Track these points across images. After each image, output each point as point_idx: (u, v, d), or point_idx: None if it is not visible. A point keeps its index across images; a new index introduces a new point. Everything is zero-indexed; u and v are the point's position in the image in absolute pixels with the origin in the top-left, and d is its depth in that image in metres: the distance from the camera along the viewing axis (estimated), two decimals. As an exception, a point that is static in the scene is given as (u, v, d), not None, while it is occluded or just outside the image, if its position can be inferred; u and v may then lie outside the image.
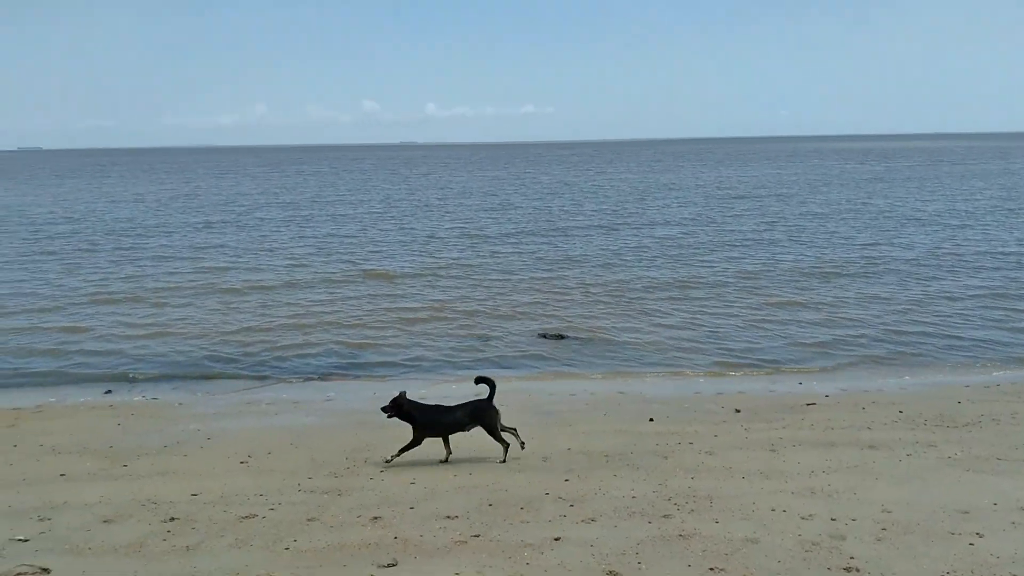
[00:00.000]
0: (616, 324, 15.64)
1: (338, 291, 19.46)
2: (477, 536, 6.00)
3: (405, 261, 24.11)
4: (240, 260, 24.61)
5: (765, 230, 30.17)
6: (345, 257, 25.15)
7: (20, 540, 6.01)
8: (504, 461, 7.84)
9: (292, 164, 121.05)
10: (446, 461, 7.95)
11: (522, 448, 8.00)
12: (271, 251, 26.67)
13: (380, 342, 14.56)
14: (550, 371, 12.87)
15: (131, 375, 12.54)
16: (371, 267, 22.77)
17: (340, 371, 12.79)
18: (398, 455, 7.86)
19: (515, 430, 8.07)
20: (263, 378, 12.49)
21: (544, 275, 21.21)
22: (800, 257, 23.65)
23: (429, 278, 20.98)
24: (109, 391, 11.66)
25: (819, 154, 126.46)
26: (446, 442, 7.98)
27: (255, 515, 6.49)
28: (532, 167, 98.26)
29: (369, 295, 18.96)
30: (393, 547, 5.85)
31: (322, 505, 6.75)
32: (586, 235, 29.40)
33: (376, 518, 6.43)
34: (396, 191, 57.25)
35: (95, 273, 22.35)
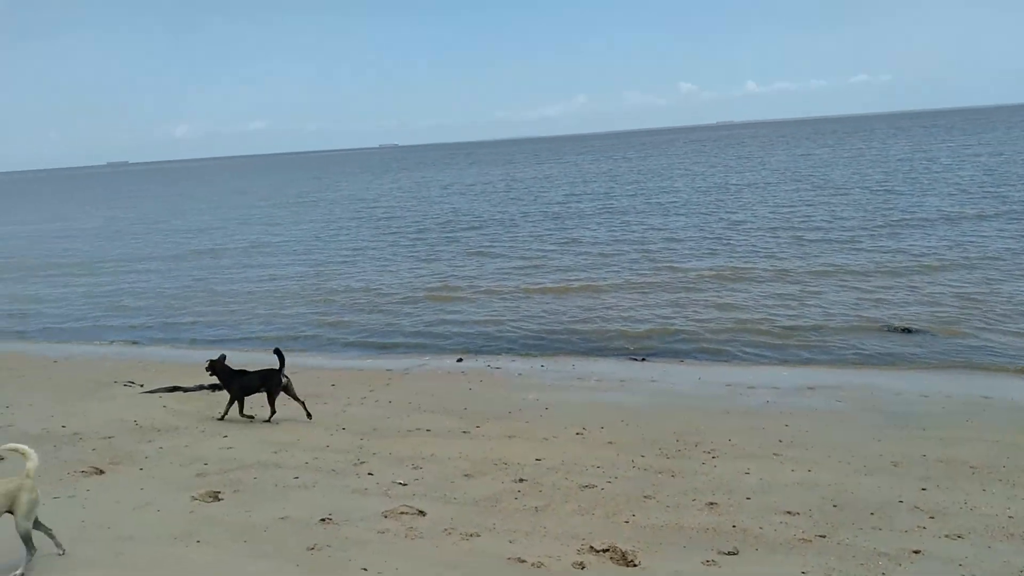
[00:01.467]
0: (980, 321, 13.59)
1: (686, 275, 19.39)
2: (823, 536, 5.67)
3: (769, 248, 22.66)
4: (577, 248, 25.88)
5: None
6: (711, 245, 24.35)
7: (400, 484, 7.00)
8: (269, 420, 9.06)
9: (618, 150, 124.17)
10: (269, 421, 9.13)
11: (308, 418, 9.13)
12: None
13: (695, 327, 14.35)
14: (896, 367, 11.64)
15: (480, 347, 13.94)
16: (738, 255, 21.77)
17: (662, 353, 12.88)
18: (226, 412, 9.29)
19: (304, 403, 9.24)
20: (589, 355, 13.06)
21: (894, 262, 19.00)
22: None
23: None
24: (460, 359, 13.05)
25: None
26: (271, 400, 9.09)
27: (594, 486, 6.83)
28: (878, 140, 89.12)
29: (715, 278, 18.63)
30: (732, 535, 5.77)
31: (656, 484, 6.87)
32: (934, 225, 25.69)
33: (712, 504, 6.39)
34: (728, 173, 55.77)
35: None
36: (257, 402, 9.38)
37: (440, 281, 20.05)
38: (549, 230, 28.59)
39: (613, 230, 27.57)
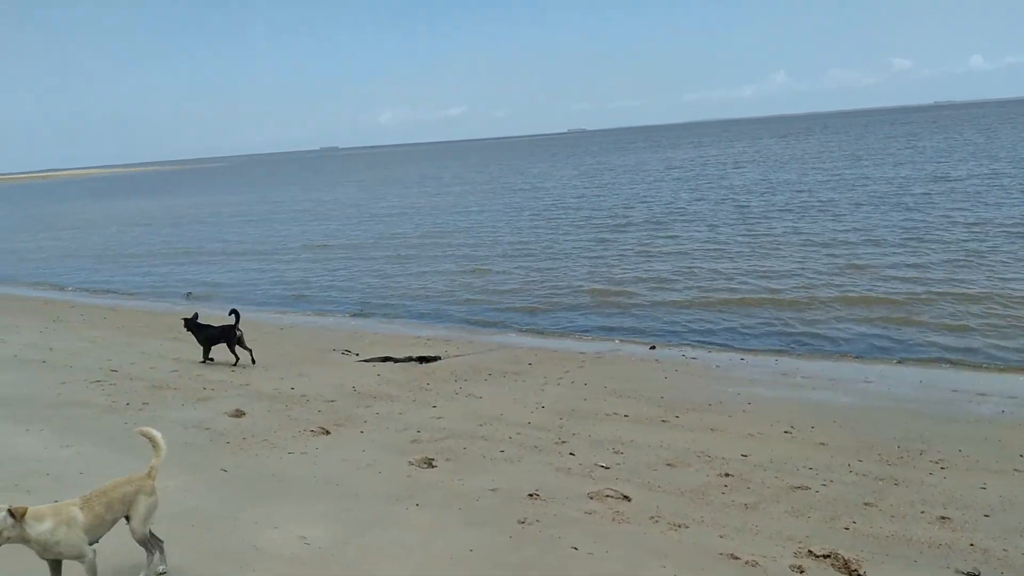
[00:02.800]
0: None
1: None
2: (1088, 569, 5.01)
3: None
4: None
5: None
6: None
7: (603, 467, 7.03)
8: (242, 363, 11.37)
9: (817, 133, 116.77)
10: (234, 366, 11.35)
11: (253, 363, 11.40)
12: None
13: (926, 322, 13.15)
14: None
15: (671, 337, 13.71)
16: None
17: (880, 352, 11.95)
18: (204, 358, 11.60)
19: (251, 351, 11.55)
20: (794, 352, 12.40)
21: None
22: None
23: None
24: (653, 347, 12.89)
25: None
26: (231, 349, 11.41)
27: (807, 487, 6.48)
28: None
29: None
30: (970, 555, 5.25)
31: (878, 491, 6.39)
32: None
33: (944, 518, 5.85)
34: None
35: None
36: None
37: (628, 271, 19.89)
38: (731, 221, 27.29)
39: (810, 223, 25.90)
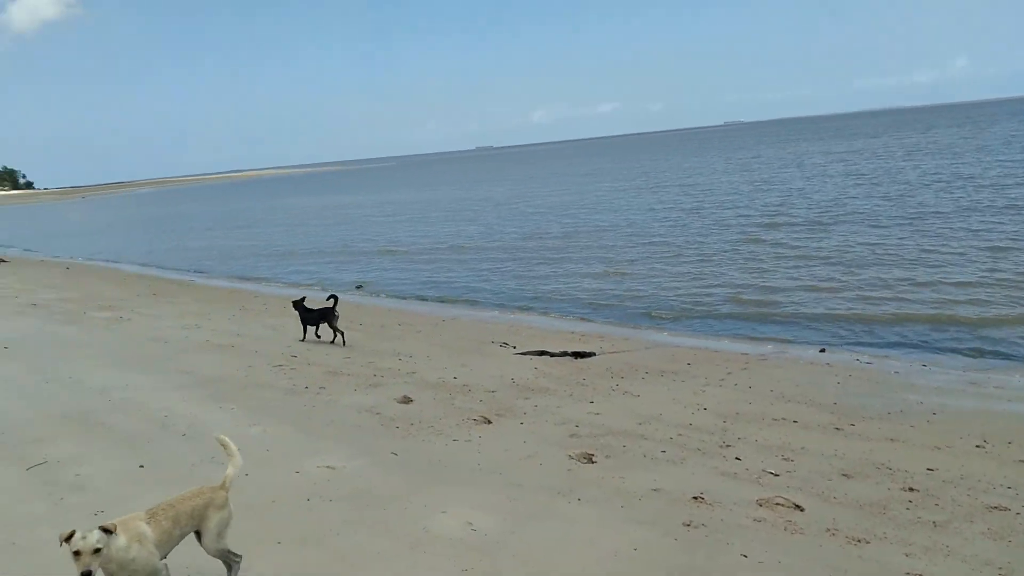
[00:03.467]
0: None
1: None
2: None
3: None
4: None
5: None
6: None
7: (772, 473, 6.73)
8: (337, 343, 12.77)
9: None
10: (331, 342, 12.79)
11: (344, 344, 12.66)
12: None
13: None
14: None
15: (843, 340, 12.91)
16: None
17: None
18: (303, 338, 12.96)
19: (343, 332, 12.85)
20: (982, 357, 11.33)
21: None
22: None
23: None
24: (823, 349, 12.19)
25: None
26: (332, 327, 12.80)
27: (1007, 508, 5.89)
28: None
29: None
30: None
31: (1095, 519, 5.70)
32: None
33: None
34: None
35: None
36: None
37: (784, 274, 18.93)
38: (902, 220, 25.19)
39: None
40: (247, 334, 13.62)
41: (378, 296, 19.90)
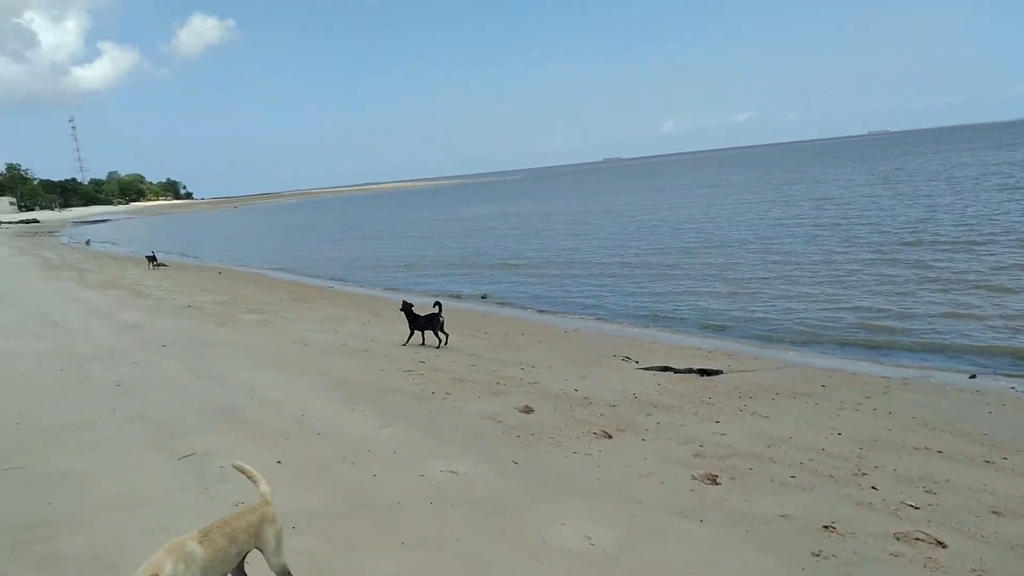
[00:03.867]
0: None
1: None
2: None
3: None
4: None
5: None
6: None
7: (911, 506, 6.31)
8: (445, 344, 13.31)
9: None
10: (437, 347, 13.24)
11: (445, 345, 13.26)
12: None
13: None
14: None
15: (996, 367, 11.93)
16: None
17: None
18: (406, 342, 13.49)
19: (446, 336, 13.37)
20: None
21: None
22: None
23: None
24: (973, 376, 11.32)
25: None
26: (435, 333, 13.33)
27: None
28: None
29: None
30: None
31: None
32: None
33: None
34: None
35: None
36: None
37: (926, 297, 17.65)
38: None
39: None
40: (380, 339, 14.21)
41: (502, 306, 20.22)
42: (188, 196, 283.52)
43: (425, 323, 13.55)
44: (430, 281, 26.46)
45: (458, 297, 22.31)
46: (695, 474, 7.00)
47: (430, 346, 13.44)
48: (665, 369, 11.73)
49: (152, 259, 33.13)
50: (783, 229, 32.09)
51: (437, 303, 13.67)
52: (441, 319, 13.36)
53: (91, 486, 6.33)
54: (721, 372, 11.56)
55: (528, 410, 9.21)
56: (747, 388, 10.57)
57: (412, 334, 13.72)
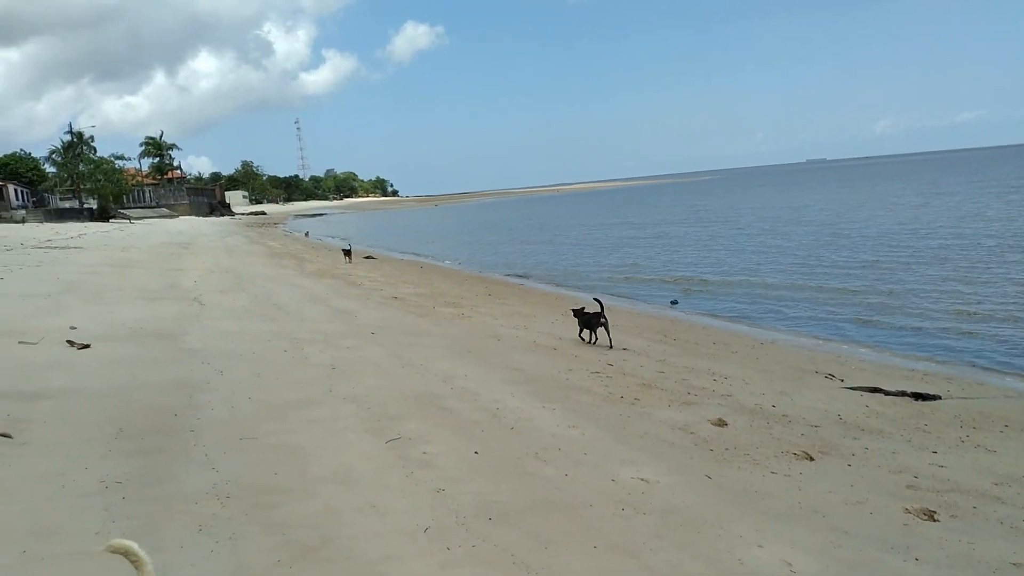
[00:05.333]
0: None
1: None
2: None
3: None
4: None
5: None
6: None
7: None
8: (611, 347, 13.52)
9: None
10: (610, 346, 13.55)
11: (610, 347, 13.46)
12: None
13: None
14: None
15: None
16: None
17: None
18: (581, 336, 14.18)
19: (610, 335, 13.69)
20: None
21: None
22: None
23: None
24: None
25: None
26: (594, 332, 13.89)
27: None
28: None
29: None
30: None
31: None
32: None
33: None
34: None
35: None
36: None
37: None
38: None
39: None
40: (567, 338, 14.38)
41: (690, 312, 19.72)
42: (394, 193, 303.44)
43: (591, 320, 13.96)
44: (618, 287, 26.37)
45: (645, 301, 22.05)
46: (908, 507, 6.44)
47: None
48: (874, 390, 10.88)
49: (347, 252, 33.45)
50: (1021, 240, 28.64)
51: (597, 300, 14.14)
52: (604, 318, 13.67)
53: (310, 460, 6.93)
54: (939, 397, 10.54)
55: (721, 423, 8.91)
56: (970, 417, 9.56)
57: (581, 331, 14.25)
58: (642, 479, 6.82)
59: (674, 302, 21.47)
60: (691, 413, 9.35)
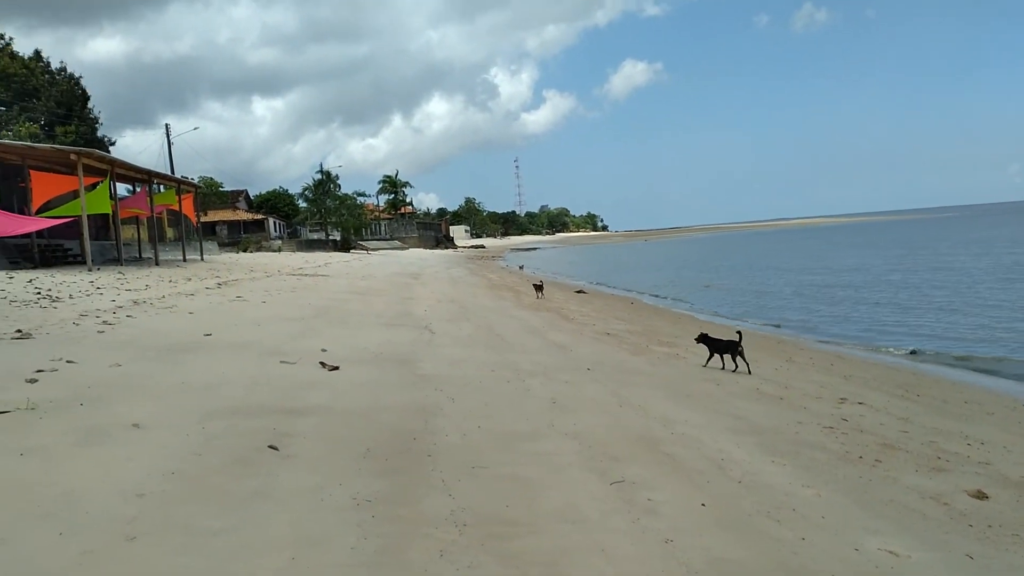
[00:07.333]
0: None
1: None
2: None
3: None
4: None
5: None
6: None
7: None
8: (750, 373, 14.33)
9: None
10: (735, 370, 14.56)
11: (749, 373, 14.33)
12: None
13: None
14: None
15: None
16: None
17: None
18: (706, 363, 15.06)
19: (747, 362, 14.57)
20: None
21: None
22: None
23: None
24: None
25: None
26: (730, 358, 14.61)
27: None
28: None
29: None
30: None
31: None
32: None
33: None
34: None
35: None
36: None
37: None
38: None
39: None
40: (794, 387, 13.61)
41: (937, 365, 17.87)
42: (604, 228, 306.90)
43: (725, 348, 14.76)
44: (845, 329, 24.54)
45: (880, 351, 20.32)
46: None
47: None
48: None
49: (539, 288, 32.16)
50: None
51: (738, 332, 15.23)
52: (741, 347, 14.57)
53: (538, 495, 7.10)
54: None
55: (981, 495, 7.96)
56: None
57: (711, 357, 15.09)
58: (890, 551, 6.25)
59: (913, 352, 19.60)
60: (943, 481, 8.45)
